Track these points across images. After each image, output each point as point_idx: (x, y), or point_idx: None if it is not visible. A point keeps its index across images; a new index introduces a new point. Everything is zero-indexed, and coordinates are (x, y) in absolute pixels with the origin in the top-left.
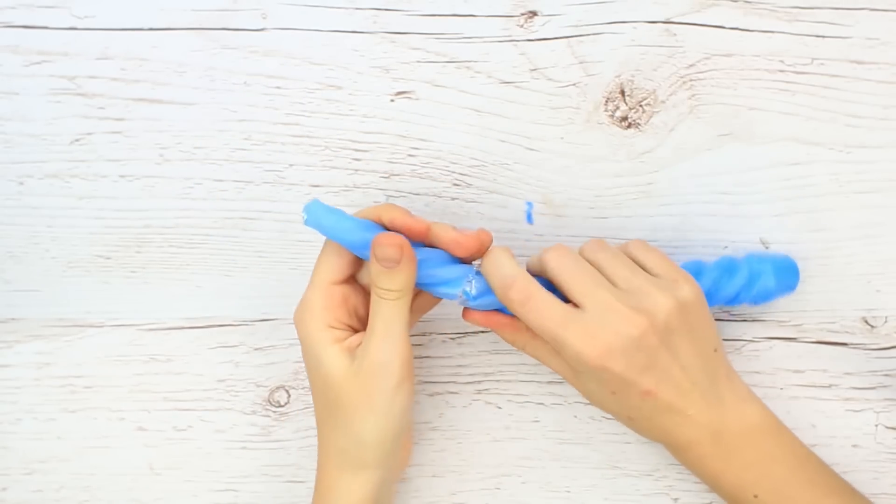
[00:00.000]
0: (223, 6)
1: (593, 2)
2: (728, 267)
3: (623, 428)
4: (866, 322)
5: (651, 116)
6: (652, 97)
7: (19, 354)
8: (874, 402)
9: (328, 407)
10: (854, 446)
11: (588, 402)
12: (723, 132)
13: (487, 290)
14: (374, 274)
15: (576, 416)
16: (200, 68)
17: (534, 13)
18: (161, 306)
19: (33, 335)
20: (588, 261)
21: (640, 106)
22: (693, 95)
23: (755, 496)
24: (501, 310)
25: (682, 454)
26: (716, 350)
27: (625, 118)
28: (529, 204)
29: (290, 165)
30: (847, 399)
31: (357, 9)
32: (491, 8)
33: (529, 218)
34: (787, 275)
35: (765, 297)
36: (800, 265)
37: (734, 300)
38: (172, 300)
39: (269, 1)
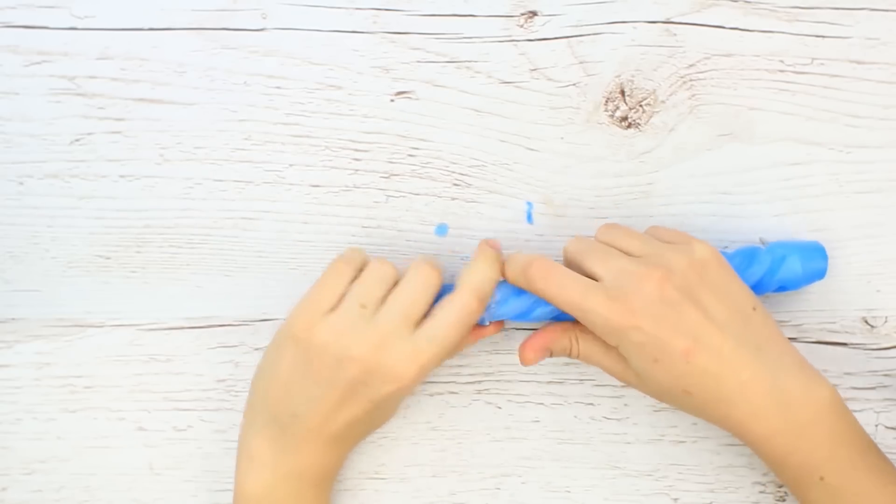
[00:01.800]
0: (223, 6)
1: (593, 2)
2: (749, 254)
3: (623, 428)
4: (866, 322)
5: (651, 116)
6: (652, 97)
7: (19, 354)
8: (874, 402)
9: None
10: None
11: (646, 394)
12: (723, 132)
13: (508, 295)
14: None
15: (576, 416)
16: (200, 68)
17: (534, 13)
18: (161, 306)
19: (33, 335)
20: (603, 242)
21: (640, 106)
22: (693, 95)
23: (821, 478)
24: (523, 315)
25: (749, 433)
26: (755, 308)
27: (625, 118)
28: (529, 204)
29: (290, 165)
30: (847, 399)
31: (357, 9)
32: (491, 8)
33: (529, 218)
34: (814, 260)
35: (792, 284)
36: None
37: (757, 288)
38: (172, 300)
39: (269, 1)
